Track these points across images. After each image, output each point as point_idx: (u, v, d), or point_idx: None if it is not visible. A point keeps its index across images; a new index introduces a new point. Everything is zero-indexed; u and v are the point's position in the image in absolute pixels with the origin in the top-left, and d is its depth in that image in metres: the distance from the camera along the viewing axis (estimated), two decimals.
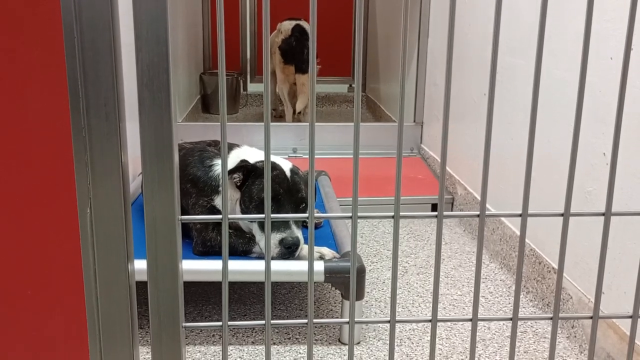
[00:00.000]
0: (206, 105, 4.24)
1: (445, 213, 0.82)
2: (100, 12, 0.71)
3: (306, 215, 0.81)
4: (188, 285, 1.98)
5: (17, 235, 0.83)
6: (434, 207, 2.71)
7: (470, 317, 0.88)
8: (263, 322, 0.84)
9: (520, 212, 0.83)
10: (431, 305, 1.91)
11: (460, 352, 1.66)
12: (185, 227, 1.79)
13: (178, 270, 0.80)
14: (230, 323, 0.84)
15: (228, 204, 0.80)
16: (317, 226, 2.01)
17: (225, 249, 0.80)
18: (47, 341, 0.89)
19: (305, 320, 0.85)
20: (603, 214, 0.84)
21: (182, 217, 0.79)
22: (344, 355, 1.64)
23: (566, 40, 1.76)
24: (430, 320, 0.88)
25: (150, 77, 0.72)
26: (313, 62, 0.76)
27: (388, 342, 1.70)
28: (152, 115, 0.73)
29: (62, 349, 0.90)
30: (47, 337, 0.89)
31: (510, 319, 0.88)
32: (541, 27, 0.76)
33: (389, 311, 1.86)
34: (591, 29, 0.76)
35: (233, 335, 1.71)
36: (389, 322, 0.87)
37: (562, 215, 0.84)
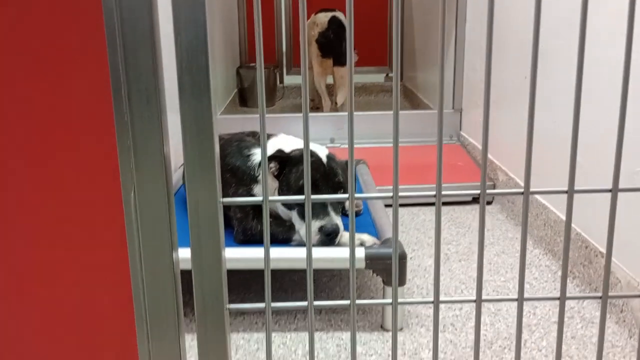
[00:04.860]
0: (243, 99, 4.26)
1: (488, 191, 0.81)
2: None
3: (346, 195, 0.81)
4: (229, 273, 2.01)
5: (64, 221, 0.85)
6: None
7: (516, 297, 0.86)
8: (305, 303, 0.85)
9: (565, 188, 0.81)
10: (474, 291, 1.89)
11: (505, 337, 1.64)
12: (226, 217, 1.81)
13: (221, 252, 0.81)
14: (273, 305, 0.84)
15: (269, 187, 0.80)
16: (356, 214, 2.01)
17: (266, 231, 0.80)
18: (96, 327, 0.91)
19: (347, 302, 0.85)
20: None
21: (224, 199, 0.80)
22: (387, 341, 1.63)
23: (607, 17, 1.70)
24: (474, 301, 0.86)
25: (189, 60, 0.73)
26: (351, 52, 0.75)
27: (430, 328, 1.68)
28: (192, 97, 0.74)
29: (110, 335, 0.91)
30: (95, 323, 0.91)
31: (558, 299, 0.86)
32: (584, 7, 0.74)
33: (432, 298, 1.85)
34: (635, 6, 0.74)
35: (276, 323, 1.72)
36: (432, 302, 0.86)
37: (610, 191, 0.82)
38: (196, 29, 0.71)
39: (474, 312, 1.75)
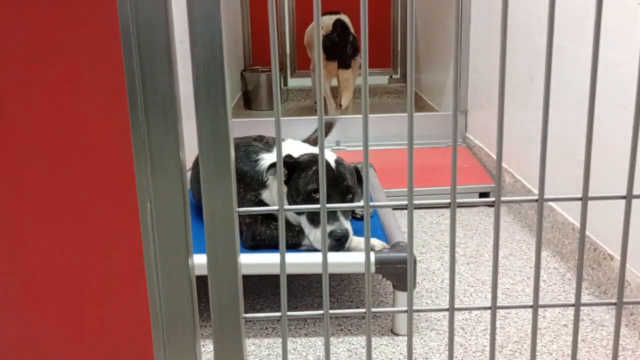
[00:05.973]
0: (248, 102, 4.27)
1: (503, 199, 0.81)
2: (156, 12, 0.73)
3: (362, 204, 0.81)
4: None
5: (82, 231, 0.86)
6: (482, 196, 2.67)
7: (531, 304, 0.86)
8: (321, 312, 0.85)
9: (580, 195, 0.82)
10: (483, 294, 1.89)
11: (516, 341, 1.64)
12: None
13: (237, 262, 0.81)
14: (289, 314, 0.84)
15: (282, 195, 0.81)
16: (364, 217, 2.00)
17: (282, 240, 0.81)
18: (113, 334, 0.91)
19: (363, 310, 0.85)
20: None
21: (240, 209, 0.80)
22: (397, 345, 1.63)
23: (617, 19, 1.70)
24: (489, 308, 0.87)
25: (206, 72, 0.73)
26: (365, 51, 0.76)
27: (440, 332, 1.69)
28: (208, 110, 0.75)
29: (127, 342, 0.92)
30: (112, 330, 0.91)
31: (573, 305, 0.86)
32: (598, 10, 0.74)
33: (441, 301, 1.85)
34: None
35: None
36: (447, 310, 0.86)
37: (624, 197, 0.82)
38: (212, 43, 0.72)
39: (484, 316, 1.75)
